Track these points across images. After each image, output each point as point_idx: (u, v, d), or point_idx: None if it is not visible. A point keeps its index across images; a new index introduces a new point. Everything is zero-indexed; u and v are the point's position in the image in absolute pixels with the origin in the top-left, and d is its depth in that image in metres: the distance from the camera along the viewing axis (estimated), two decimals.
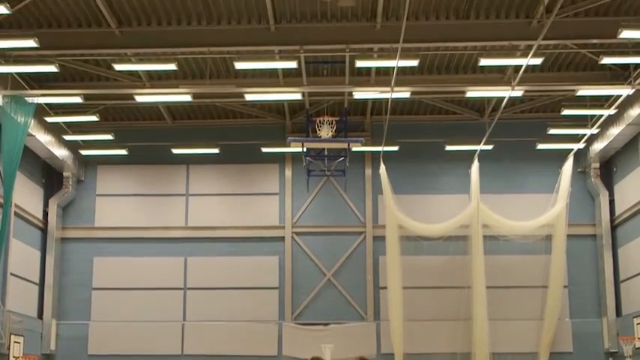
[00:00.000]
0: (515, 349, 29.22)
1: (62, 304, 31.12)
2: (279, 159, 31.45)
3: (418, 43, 23.75)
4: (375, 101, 29.53)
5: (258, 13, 23.30)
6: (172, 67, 24.02)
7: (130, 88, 26.64)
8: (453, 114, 30.90)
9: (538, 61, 24.07)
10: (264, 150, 30.55)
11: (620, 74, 25.95)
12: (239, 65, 24.43)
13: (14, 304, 27.61)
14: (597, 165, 30.18)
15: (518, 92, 25.86)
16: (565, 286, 29.22)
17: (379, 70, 27.02)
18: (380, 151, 28.43)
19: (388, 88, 24.05)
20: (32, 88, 25.74)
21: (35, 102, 25.05)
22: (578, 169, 30.41)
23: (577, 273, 30.43)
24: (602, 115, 26.42)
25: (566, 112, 27.06)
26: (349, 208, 31.23)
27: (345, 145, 27.63)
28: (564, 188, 28.21)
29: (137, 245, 31.44)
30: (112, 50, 24.26)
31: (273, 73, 27.06)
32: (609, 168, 30.29)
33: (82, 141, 30.37)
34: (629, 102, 25.39)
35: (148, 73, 26.59)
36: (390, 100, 24.87)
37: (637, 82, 24.02)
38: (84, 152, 30.77)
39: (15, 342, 27.34)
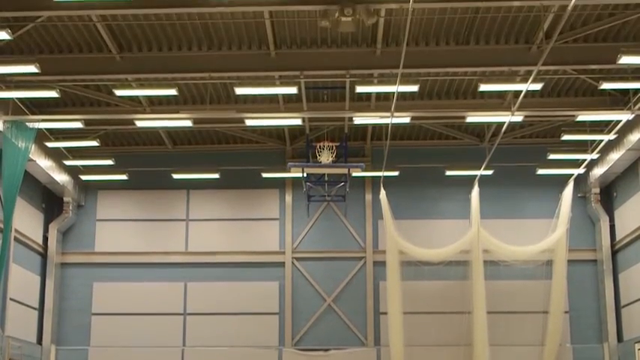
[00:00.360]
0: None
1: (62, 330, 31.01)
2: (280, 184, 31.46)
3: (418, 68, 23.81)
4: (375, 126, 29.59)
5: (259, 39, 23.39)
6: (173, 92, 24.06)
7: (131, 113, 26.68)
8: (453, 139, 30.95)
9: (538, 86, 24.12)
10: (265, 175, 30.55)
11: (619, 99, 26.00)
12: (239, 91, 24.48)
13: (13, 330, 27.52)
14: (597, 190, 30.19)
15: (518, 117, 25.91)
16: (566, 312, 29.12)
17: (379, 96, 27.07)
18: (380, 177, 28.43)
19: (388, 114, 24.09)
20: (33, 113, 25.78)
21: (36, 127, 25.08)
22: (579, 195, 30.42)
23: (578, 298, 30.36)
24: (602, 141, 26.45)
25: (566, 137, 27.10)
26: (349, 234, 31.20)
27: (345, 171, 27.65)
28: (565, 213, 28.17)
29: (137, 270, 31.39)
30: (112, 75, 24.33)
31: (273, 98, 27.13)
32: (609, 193, 30.31)
33: (83, 166, 30.40)
34: (628, 127, 25.43)
35: (149, 98, 26.65)
36: (390, 126, 24.90)
37: (636, 107, 24.06)
38: (84, 177, 30.80)
39: None
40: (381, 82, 24.62)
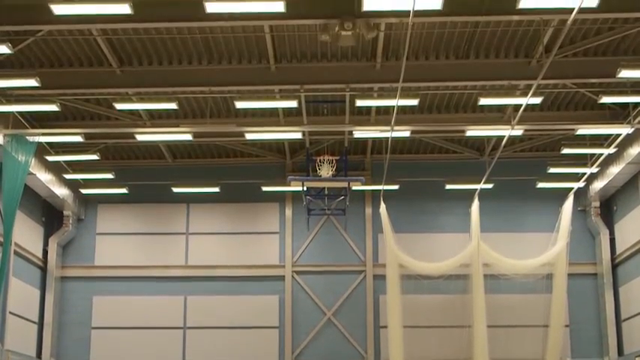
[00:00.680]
0: None
1: (61, 343, 30.95)
2: (280, 198, 31.44)
3: (418, 82, 23.86)
4: (375, 140, 29.62)
5: (259, 53, 23.43)
6: (173, 106, 24.12)
7: (131, 127, 26.71)
8: (453, 153, 30.96)
9: (538, 100, 24.15)
10: (265, 189, 30.58)
11: (619, 113, 26.03)
12: (239, 104, 24.53)
13: (13, 343, 27.47)
14: (597, 204, 30.19)
15: (518, 131, 25.95)
16: (566, 326, 29.08)
17: (379, 110, 27.13)
18: (380, 190, 28.41)
19: (388, 128, 24.10)
20: (33, 127, 25.82)
21: (36, 141, 25.12)
22: (579, 208, 30.43)
23: (578, 312, 30.32)
24: (601, 154, 26.46)
25: (565, 150, 27.12)
26: (349, 247, 31.17)
27: (345, 184, 27.64)
28: (565, 227, 28.14)
29: (137, 284, 31.35)
30: (112, 89, 24.37)
31: (273, 112, 27.16)
32: (609, 207, 30.30)
33: (83, 180, 30.41)
34: (628, 141, 25.45)
35: (149, 112, 26.69)
36: (390, 139, 24.92)
37: (636, 121, 24.09)
38: (84, 191, 30.81)
39: None
40: (380, 96, 24.67)
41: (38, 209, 30.15)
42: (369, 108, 26.79)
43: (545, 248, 28.86)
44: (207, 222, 31.79)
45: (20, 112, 24.66)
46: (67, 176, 29.50)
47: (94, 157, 28.08)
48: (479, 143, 30.35)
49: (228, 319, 30.74)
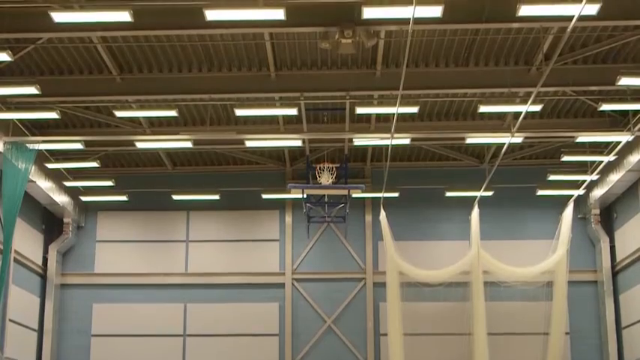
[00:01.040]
0: None
1: (61, 351, 30.87)
2: (280, 205, 31.41)
3: (418, 90, 23.90)
4: (375, 148, 29.63)
5: (259, 61, 23.45)
6: (173, 113, 24.13)
7: (131, 134, 26.73)
8: (453, 160, 30.93)
9: (537, 107, 24.16)
10: (265, 196, 30.57)
11: (619, 121, 26.04)
12: (239, 112, 24.54)
13: (13, 351, 27.42)
14: (597, 211, 30.16)
15: (517, 139, 25.95)
16: (567, 333, 29.03)
17: (379, 117, 27.13)
18: (380, 198, 28.41)
19: (388, 135, 24.11)
20: (33, 134, 25.82)
21: (36, 148, 25.14)
22: (579, 216, 30.39)
23: (579, 319, 30.27)
24: (601, 162, 26.46)
25: (565, 158, 27.12)
26: (349, 255, 31.12)
27: (345, 192, 27.62)
28: (565, 234, 28.13)
29: (137, 291, 31.31)
30: (112, 97, 24.39)
31: (273, 119, 27.19)
32: (610, 214, 30.26)
33: (83, 187, 30.40)
34: (628, 148, 25.45)
35: (149, 119, 26.71)
36: (390, 147, 24.93)
37: (636, 128, 24.10)
38: (84, 198, 30.79)
39: None
40: (380, 104, 24.67)
41: (38, 217, 30.11)
42: (369, 115, 26.80)
43: (546, 256, 28.83)
44: (207, 229, 31.75)
45: (20, 120, 24.70)
46: (67, 184, 29.49)
47: (94, 164, 28.09)
48: (479, 150, 30.34)
49: (228, 326, 30.68)
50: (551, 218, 29.56)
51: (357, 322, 30.98)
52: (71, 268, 31.71)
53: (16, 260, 27.80)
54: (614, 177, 27.54)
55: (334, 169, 27.38)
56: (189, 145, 26.76)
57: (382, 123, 27.23)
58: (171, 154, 30.58)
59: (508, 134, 24.93)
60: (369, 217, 31.46)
